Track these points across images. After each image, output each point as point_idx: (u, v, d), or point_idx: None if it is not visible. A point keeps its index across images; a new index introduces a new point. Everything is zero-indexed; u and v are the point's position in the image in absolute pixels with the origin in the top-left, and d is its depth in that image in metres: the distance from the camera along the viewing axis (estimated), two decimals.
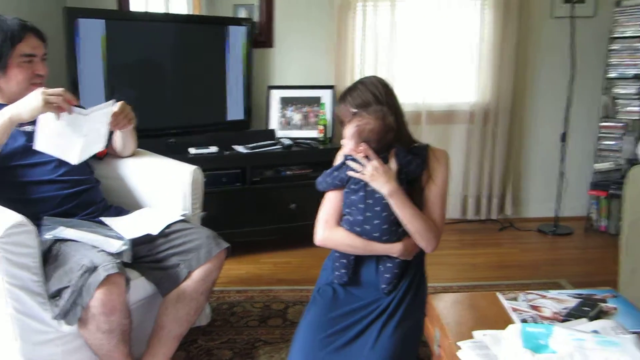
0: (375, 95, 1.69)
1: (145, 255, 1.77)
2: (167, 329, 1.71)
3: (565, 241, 3.54)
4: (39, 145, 1.66)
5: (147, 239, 1.78)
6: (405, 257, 1.67)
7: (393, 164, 1.61)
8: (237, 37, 3.35)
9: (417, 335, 1.61)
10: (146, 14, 3.43)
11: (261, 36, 3.57)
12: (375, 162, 1.58)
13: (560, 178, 3.65)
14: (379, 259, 1.70)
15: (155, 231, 1.78)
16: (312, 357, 1.55)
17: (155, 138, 2.93)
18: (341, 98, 1.76)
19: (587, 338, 1.01)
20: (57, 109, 1.59)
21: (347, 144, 1.64)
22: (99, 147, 1.79)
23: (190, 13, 3.58)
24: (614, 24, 3.49)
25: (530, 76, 3.75)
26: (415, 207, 1.63)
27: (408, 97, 3.64)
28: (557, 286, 2.74)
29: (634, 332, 1.18)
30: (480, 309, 1.37)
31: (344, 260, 1.71)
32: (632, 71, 3.44)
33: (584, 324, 1.18)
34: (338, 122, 1.82)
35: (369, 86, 1.72)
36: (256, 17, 3.56)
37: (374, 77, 1.79)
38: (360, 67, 3.62)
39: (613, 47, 3.50)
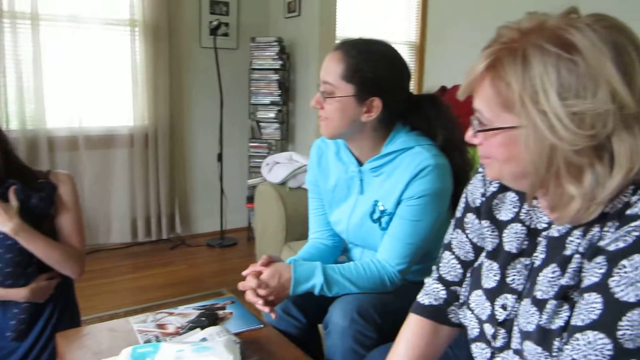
0: None
1: None
2: None
3: (230, 252, 3.85)
4: None
5: None
6: (36, 300, 1.58)
7: (13, 201, 1.52)
8: None
9: None
10: None
11: None
12: None
13: (221, 194, 3.95)
14: (4, 304, 1.58)
15: None
16: None
17: None
18: None
19: (186, 348, 1.14)
20: None
21: None
22: None
23: None
24: (252, 57, 3.96)
25: (186, 101, 3.98)
26: (48, 238, 1.57)
27: (62, 122, 3.48)
28: (218, 295, 2.95)
29: (237, 333, 1.37)
30: (109, 337, 1.40)
31: None
32: (269, 98, 3.96)
33: (195, 334, 1.32)
34: None
35: None
36: None
37: None
38: (2, 90, 3.28)
39: (253, 77, 3.98)
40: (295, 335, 1.46)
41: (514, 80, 0.74)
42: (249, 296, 1.34)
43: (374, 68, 1.32)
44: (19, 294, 1.53)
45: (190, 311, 1.54)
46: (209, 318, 1.46)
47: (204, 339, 1.27)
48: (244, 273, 1.36)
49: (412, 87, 4.58)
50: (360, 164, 1.45)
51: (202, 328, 1.36)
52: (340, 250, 1.63)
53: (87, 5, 3.49)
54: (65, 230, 1.64)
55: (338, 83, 1.32)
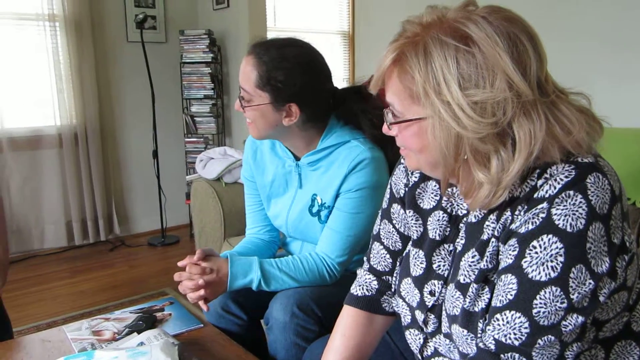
0: None
1: None
2: None
3: (173, 250, 3.79)
4: None
5: None
6: None
7: None
8: None
9: None
10: None
11: None
12: None
13: (159, 192, 3.87)
14: None
15: None
16: None
17: None
18: None
19: (120, 355, 1.12)
20: None
21: None
22: None
23: None
24: (182, 51, 3.88)
25: (116, 97, 3.87)
26: None
27: None
28: (162, 295, 2.91)
29: (176, 334, 1.36)
30: (41, 348, 1.36)
31: None
32: (202, 92, 3.90)
33: (133, 339, 1.29)
34: None
35: None
36: None
37: None
38: None
39: (184, 71, 3.90)
40: (238, 332, 1.46)
41: (417, 73, 0.76)
42: (185, 285, 1.32)
43: (286, 75, 1.29)
44: None
45: (127, 315, 1.51)
46: (147, 321, 1.44)
47: (141, 344, 1.26)
48: (179, 263, 1.35)
49: (347, 77, 4.60)
50: (296, 158, 1.46)
51: (140, 332, 1.34)
52: (277, 245, 1.64)
53: None
54: None
55: (253, 91, 1.31)
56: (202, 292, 1.30)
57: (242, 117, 3.81)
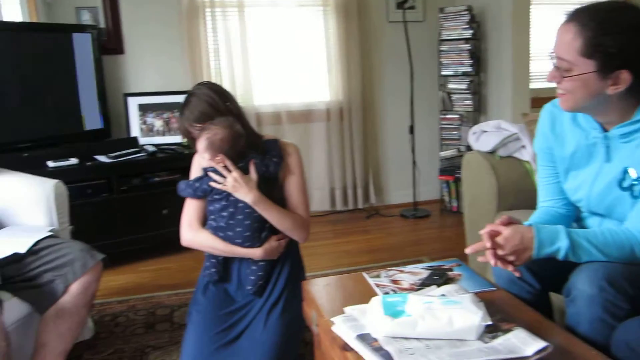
0: (212, 105, 1.73)
1: (14, 275, 1.71)
2: (50, 346, 1.68)
3: (424, 223, 3.92)
4: None
5: (14, 259, 1.72)
6: (269, 257, 1.78)
7: (253, 174, 1.71)
8: (83, 44, 3.23)
9: (300, 321, 1.75)
10: None
11: (110, 43, 3.49)
12: (235, 174, 1.66)
13: (413, 166, 4.02)
14: (243, 260, 1.80)
15: (22, 249, 1.73)
16: (204, 354, 1.62)
17: (8, 153, 2.77)
18: (180, 113, 1.78)
19: (434, 300, 1.21)
20: None
21: (205, 157, 1.70)
22: None
23: (27, 19, 3.33)
24: (441, 28, 3.92)
25: (377, 75, 4.09)
26: (281, 207, 1.75)
27: (267, 99, 3.81)
28: (419, 263, 3.03)
29: (473, 292, 1.42)
30: (349, 288, 1.53)
31: (214, 260, 1.80)
32: (460, 69, 3.89)
33: (434, 290, 1.38)
34: (185, 137, 1.83)
35: (201, 97, 1.74)
36: (102, 22, 3.47)
37: (206, 85, 1.80)
38: (216, 71, 3.69)
39: (442, 49, 3.94)
40: (527, 300, 1.45)
41: None
42: (487, 256, 1.35)
43: (618, 42, 1.20)
44: (255, 253, 1.75)
45: (419, 270, 1.62)
46: (441, 277, 1.53)
47: (442, 295, 1.34)
48: (481, 232, 1.37)
49: None
50: (603, 129, 1.38)
51: (438, 285, 1.43)
52: (573, 220, 1.58)
53: None
54: (293, 198, 1.82)
55: (576, 60, 1.25)
56: (510, 258, 1.32)
57: (500, 94, 3.71)
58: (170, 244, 3.14)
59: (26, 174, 2.11)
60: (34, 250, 1.75)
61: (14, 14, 3.32)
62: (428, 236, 3.66)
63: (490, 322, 1.17)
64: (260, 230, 1.74)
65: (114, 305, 2.59)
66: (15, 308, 1.66)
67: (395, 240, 3.57)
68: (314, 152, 4.00)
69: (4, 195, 2.00)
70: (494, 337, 1.15)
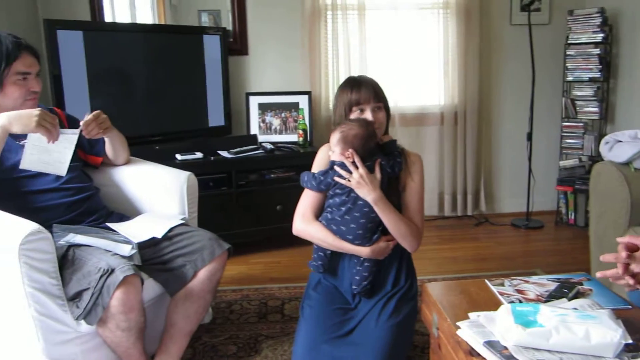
0: (377, 93, 1.79)
1: (150, 258, 1.86)
2: (178, 326, 1.81)
3: (537, 234, 3.75)
4: (25, 164, 1.76)
5: (151, 243, 1.86)
6: (376, 257, 1.77)
7: (378, 173, 1.72)
8: (212, 45, 3.42)
9: (412, 322, 1.74)
10: (123, 25, 3.49)
11: (235, 44, 3.65)
12: (362, 171, 1.67)
13: (529, 175, 3.85)
14: (349, 259, 1.81)
15: (159, 234, 1.87)
16: (317, 343, 1.66)
17: (141, 145, 3.00)
18: (355, 85, 1.78)
19: (569, 313, 1.16)
20: (47, 132, 1.68)
21: (335, 150, 1.74)
22: (60, 172, 1.84)
23: (156, 21, 3.63)
24: (568, 31, 3.72)
25: (495, 79, 3.97)
26: (399, 212, 1.75)
27: None
28: (533, 275, 2.91)
29: (609, 309, 1.34)
30: (471, 294, 1.51)
31: (321, 253, 1.83)
32: (587, 75, 3.67)
33: (564, 303, 1.33)
34: (345, 110, 1.80)
35: (371, 82, 1.80)
36: (225, 24, 3.65)
37: (366, 76, 1.86)
38: (334, 74, 3.75)
39: (569, 53, 3.73)
40: None
41: None
42: (619, 268, 1.27)
43: None
44: (363, 251, 1.75)
45: (546, 282, 1.56)
46: (570, 290, 1.46)
47: (574, 309, 1.28)
48: (619, 239, 1.30)
49: None
50: None
51: (569, 299, 1.37)
52: None
53: None
54: (411, 205, 1.81)
55: None
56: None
57: (630, 102, 3.45)
58: (282, 239, 3.29)
59: (162, 165, 2.27)
60: (169, 236, 1.89)
61: (145, 15, 3.63)
62: (541, 248, 3.49)
63: (630, 341, 1.10)
64: (372, 231, 1.75)
65: (228, 294, 2.73)
66: (149, 289, 1.80)
67: (505, 250, 3.44)
68: (425, 155, 3.91)
69: (144, 183, 2.17)
70: (634, 357, 1.09)
